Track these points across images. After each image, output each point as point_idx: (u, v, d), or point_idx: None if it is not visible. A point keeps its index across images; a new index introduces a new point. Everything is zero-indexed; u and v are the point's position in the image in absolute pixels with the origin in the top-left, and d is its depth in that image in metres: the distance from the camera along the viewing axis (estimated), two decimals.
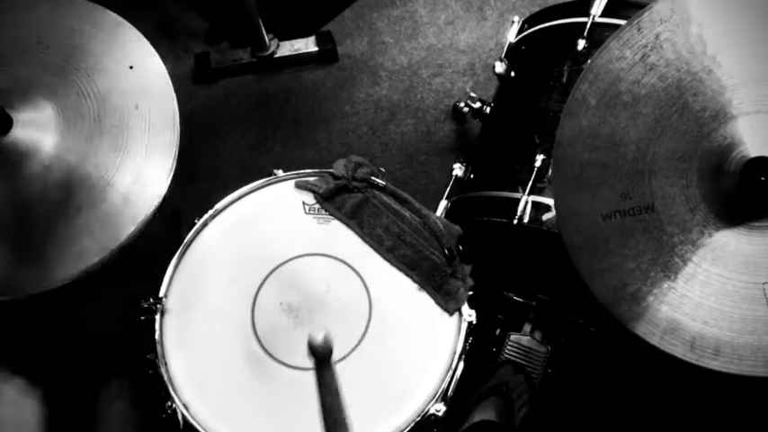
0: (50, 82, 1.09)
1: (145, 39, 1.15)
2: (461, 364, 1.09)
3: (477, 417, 1.28)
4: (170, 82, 1.12)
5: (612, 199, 0.94)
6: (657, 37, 0.92)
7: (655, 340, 0.91)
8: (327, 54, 2.10)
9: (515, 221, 1.25)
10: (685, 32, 0.91)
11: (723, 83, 0.90)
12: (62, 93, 1.09)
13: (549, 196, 1.27)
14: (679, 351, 0.90)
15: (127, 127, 1.08)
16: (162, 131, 1.09)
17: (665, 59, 0.92)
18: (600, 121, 0.94)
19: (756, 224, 0.90)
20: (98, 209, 1.03)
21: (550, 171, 1.28)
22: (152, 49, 1.14)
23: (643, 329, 0.92)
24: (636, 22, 0.93)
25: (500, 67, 1.48)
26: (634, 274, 0.93)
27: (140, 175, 1.06)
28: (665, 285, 0.92)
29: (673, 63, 0.92)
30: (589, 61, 0.97)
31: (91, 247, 1.02)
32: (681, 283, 0.91)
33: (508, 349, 1.45)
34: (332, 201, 1.21)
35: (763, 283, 0.89)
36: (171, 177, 1.07)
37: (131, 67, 1.11)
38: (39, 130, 1.06)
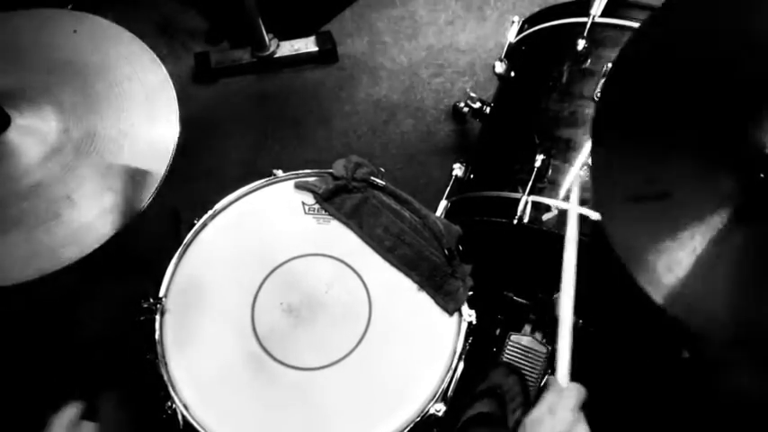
0: (55, 88, 1.11)
1: (154, 54, 1.17)
2: (461, 364, 1.09)
3: (473, 411, 1.28)
4: (170, 82, 1.13)
5: (637, 182, 0.92)
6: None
7: (671, 311, 0.90)
8: (327, 54, 2.10)
9: (515, 221, 1.25)
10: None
11: None
12: (64, 98, 1.10)
13: (548, 196, 1.27)
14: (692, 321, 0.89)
15: (125, 137, 1.09)
16: (161, 132, 1.09)
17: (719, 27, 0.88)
18: (644, 97, 0.92)
19: None
20: (75, 216, 1.04)
21: (550, 170, 1.28)
22: (161, 67, 1.16)
23: (660, 299, 0.90)
24: None
25: (500, 67, 1.48)
26: (655, 256, 0.91)
27: (136, 177, 1.06)
28: (678, 269, 0.90)
29: (724, 35, 0.88)
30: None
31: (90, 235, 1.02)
32: (695, 268, 0.89)
33: (508, 349, 1.44)
34: (332, 201, 1.21)
35: None
36: (161, 183, 1.08)
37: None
38: (36, 132, 1.07)
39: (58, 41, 1.15)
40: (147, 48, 1.15)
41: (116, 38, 1.16)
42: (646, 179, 0.92)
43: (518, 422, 1.32)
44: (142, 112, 1.10)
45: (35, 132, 1.07)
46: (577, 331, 1.42)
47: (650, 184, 0.92)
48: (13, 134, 1.06)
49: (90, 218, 1.03)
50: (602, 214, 0.98)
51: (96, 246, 1.01)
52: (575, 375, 1.41)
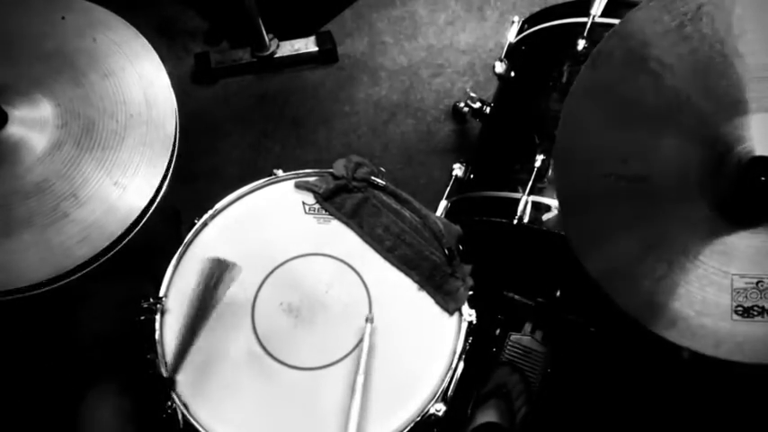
0: (54, 82, 1.10)
1: (145, 39, 1.16)
2: (461, 364, 1.09)
3: (480, 419, 1.28)
4: (166, 75, 1.13)
5: (611, 160, 0.93)
6: (699, 8, 0.89)
7: (618, 300, 0.92)
8: (327, 54, 2.10)
9: (515, 221, 1.25)
10: (728, 10, 0.89)
11: (752, 72, 0.89)
12: (63, 94, 1.10)
13: (549, 196, 1.27)
14: (639, 314, 0.91)
15: (124, 129, 1.09)
16: (161, 133, 1.09)
17: (701, 34, 0.89)
18: (620, 81, 0.93)
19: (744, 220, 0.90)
20: (84, 213, 1.04)
21: (552, 166, 1.28)
22: (153, 52, 1.15)
23: (609, 288, 0.92)
24: None
25: (500, 67, 1.48)
26: (613, 237, 0.93)
27: (135, 178, 1.06)
28: (639, 254, 0.92)
29: (707, 39, 0.89)
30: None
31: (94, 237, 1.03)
32: (655, 254, 0.91)
33: (508, 349, 1.44)
34: (332, 201, 1.21)
35: (733, 274, 0.89)
36: (169, 178, 1.08)
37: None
38: (35, 128, 1.06)
39: (46, 30, 1.13)
40: (138, 33, 1.15)
41: (106, 24, 1.15)
42: (621, 158, 0.93)
43: (524, 419, 1.33)
44: (140, 103, 1.10)
45: (33, 126, 1.06)
46: (578, 331, 1.43)
47: (625, 164, 0.92)
48: (11, 130, 1.05)
49: (98, 215, 1.03)
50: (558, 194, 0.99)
51: (107, 243, 1.01)
52: (575, 375, 1.41)
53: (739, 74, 0.89)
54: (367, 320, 1.10)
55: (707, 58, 0.90)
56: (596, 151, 0.94)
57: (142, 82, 1.11)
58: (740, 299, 0.89)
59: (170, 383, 1.04)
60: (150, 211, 1.05)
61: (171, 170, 1.08)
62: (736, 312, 0.89)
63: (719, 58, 0.89)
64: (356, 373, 1.04)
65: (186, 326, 1.07)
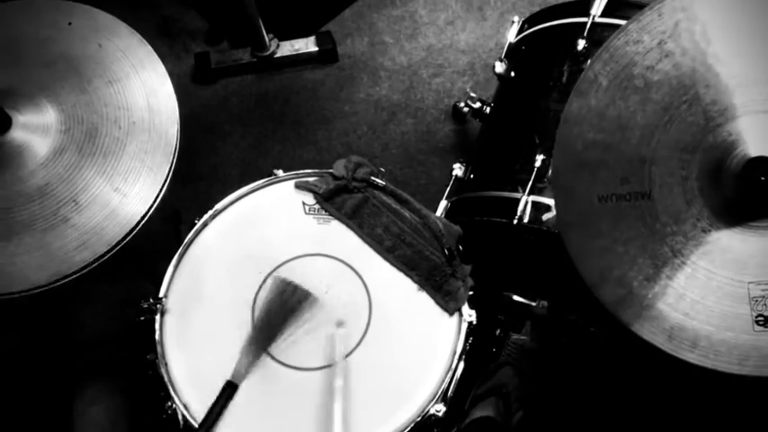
0: (59, 87, 1.10)
1: (150, 47, 1.16)
2: (461, 365, 1.09)
3: (476, 414, 1.28)
4: (170, 83, 1.13)
5: (611, 181, 0.93)
6: (677, 25, 0.90)
7: (634, 326, 0.91)
8: (327, 54, 2.10)
9: (515, 221, 1.25)
10: (702, 21, 0.90)
11: (736, 78, 0.89)
12: (67, 99, 1.10)
13: (548, 196, 1.27)
14: (657, 339, 0.90)
15: (127, 136, 1.09)
16: (162, 142, 1.09)
17: (682, 48, 0.90)
18: (609, 103, 0.93)
19: (750, 223, 0.90)
20: (83, 218, 1.04)
21: (551, 170, 1.28)
22: (158, 60, 1.15)
23: (624, 315, 0.92)
24: (657, 6, 0.91)
25: (500, 67, 1.49)
26: (622, 259, 0.92)
27: (136, 185, 1.06)
28: (651, 273, 0.91)
29: (689, 52, 0.90)
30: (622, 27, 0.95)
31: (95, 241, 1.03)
32: (667, 273, 0.91)
33: (509, 350, 1.45)
34: (332, 201, 1.21)
35: (749, 282, 0.88)
36: (169, 179, 1.08)
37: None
38: (38, 133, 1.07)
39: (52, 35, 1.14)
40: (143, 40, 1.15)
41: (112, 30, 1.15)
42: (621, 178, 0.93)
43: (520, 422, 1.33)
44: (143, 110, 1.10)
45: (36, 131, 1.06)
46: (578, 331, 1.43)
47: (625, 184, 0.93)
48: (15, 134, 1.05)
49: (99, 219, 1.03)
50: (559, 218, 0.99)
51: (107, 248, 1.01)
52: (575, 376, 1.40)
53: (724, 81, 0.90)
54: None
55: (690, 70, 0.91)
56: (595, 175, 0.94)
57: (146, 89, 1.11)
58: (759, 308, 0.88)
59: (234, 387, 1.04)
60: (147, 216, 1.05)
61: (170, 177, 1.08)
62: (757, 323, 0.87)
63: (703, 69, 0.90)
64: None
65: (253, 340, 1.08)
